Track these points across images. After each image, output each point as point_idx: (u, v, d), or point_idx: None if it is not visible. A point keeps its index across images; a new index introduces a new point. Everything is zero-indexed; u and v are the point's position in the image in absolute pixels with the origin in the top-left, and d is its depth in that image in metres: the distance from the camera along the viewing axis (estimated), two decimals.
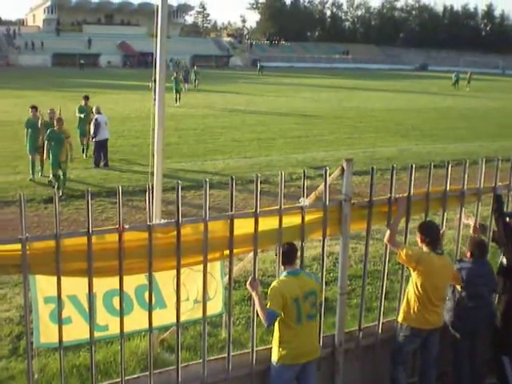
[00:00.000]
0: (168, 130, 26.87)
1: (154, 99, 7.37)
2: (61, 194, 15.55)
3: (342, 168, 6.19)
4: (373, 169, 6.33)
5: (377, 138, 27.33)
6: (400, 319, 6.71)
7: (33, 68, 78.40)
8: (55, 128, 16.57)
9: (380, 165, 21.30)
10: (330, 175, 6.12)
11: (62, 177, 16.37)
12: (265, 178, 18.69)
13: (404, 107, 41.54)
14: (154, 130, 7.26)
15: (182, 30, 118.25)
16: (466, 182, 7.06)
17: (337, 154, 23.20)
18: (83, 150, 21.35)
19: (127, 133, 25.84)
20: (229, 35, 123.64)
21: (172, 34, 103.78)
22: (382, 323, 6.93)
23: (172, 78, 36.59)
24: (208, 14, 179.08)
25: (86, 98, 22.29)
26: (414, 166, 6.59)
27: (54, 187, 15.88)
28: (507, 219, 7.14)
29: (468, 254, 6.91)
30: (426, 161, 22.23)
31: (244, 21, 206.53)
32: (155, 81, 7.16)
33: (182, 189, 16.88)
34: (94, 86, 50.00)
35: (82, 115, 21.39)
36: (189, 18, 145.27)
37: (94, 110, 20.98)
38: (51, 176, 16.44)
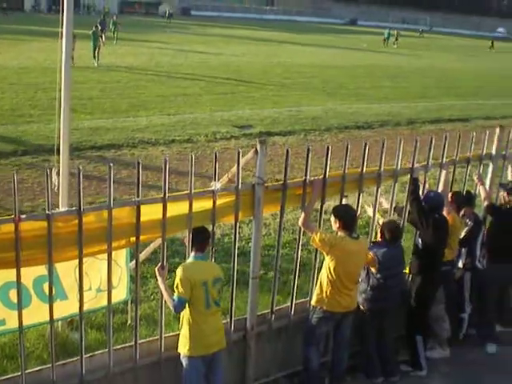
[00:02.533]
0: (90, 83, 26.36)
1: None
2: None
3: (256, 150, 5.98)
4: (287, 151, 6.13)
5: (303, 97, 27.26)
6: (313, 302, 6.66)
7: None
8: None
9: (305, 125, 21.36)
10: (242, 157, 5.91)
11: None
12: (188, 136, 18.44)
13: (332, 63, 41.62)
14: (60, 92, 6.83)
15: None
16: (383, 162, 6.94)
17: (262, 112, 23.09)
18: None
19: (48, 85, 24.77)
20: None
21: None
22: (295, 304, 6.86)
23: (90, 31, 32.99)
24: None
25: None
26: (330, 148, 6.39)
27: None
28: (422, 202, 7.12)
29: (381, 237, 6.91)
30: (351, 121, 22.51)
31: None
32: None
33: (100, 148, 16.34)
34: (18, 32, 48.11)
35: None
36: None
37: None
38: None
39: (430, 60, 50.28)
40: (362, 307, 6.93)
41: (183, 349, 5.74)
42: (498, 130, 8.11)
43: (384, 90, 31.26)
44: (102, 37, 35.10)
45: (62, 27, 6.75)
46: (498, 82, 38.89)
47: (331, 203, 7.35)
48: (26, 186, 12.85)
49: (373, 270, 6.83)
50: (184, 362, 5.76)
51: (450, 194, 7.64)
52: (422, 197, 7.21)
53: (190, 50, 42.93)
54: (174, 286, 5.52)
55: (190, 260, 5.74)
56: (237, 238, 6.13)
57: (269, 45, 53.59)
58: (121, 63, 33.92)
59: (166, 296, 5.56)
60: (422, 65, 45.85)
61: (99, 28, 34.82)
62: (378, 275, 6.82)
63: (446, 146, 7.38)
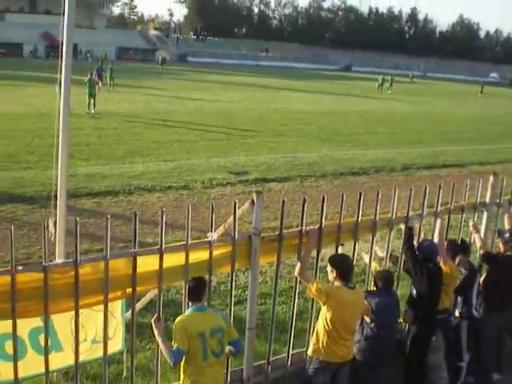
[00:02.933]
0: (87, 129, 26.53)
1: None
2: None
3: (252, 201, 6.03)
4: (283, 202, 6.18)
5: (299, 143, 27.40)
6: (310, 352, 6.62)
7: None
8: None
9: (300, 171, 21.45)
10: (239, 208, 5.96)
11: None
12: (185, 183, 18.49)
13: (327, 110, 41.94)
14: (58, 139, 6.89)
15: (108, 21, 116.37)
16: (377, 212, 6.99)
17: (258, 158, 23.15)
18: None
19: (45, 131, 24.84)
20: (156, 28, 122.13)
21: (98, 25, 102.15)
22: (292, 355, 6.83)
23: (86, 79, 32.23)
24: (135, 6, 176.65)
25: None
26: (326, 198, 6.43)
27: None
28: (416, 252, 7.14)
29: (375, 287, 6.92)
30: (346, 167, 22.60)
31: (171, 14, 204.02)
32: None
33: (97, 195, 16.31)
34: (16, 77, 48.57)
35: None
36: (115, 9, 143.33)
37: None
38: None
39: (424, 105, 50.83)
40: (356, 357, 6.90)
41: None
42: (491, 178, 8.18)
43: (378, 135, 31.47)
44: (98, 84, 35.26)
45: (60, 73, 6.83)
46: (491, 127, 39.27)
47: (327, 251, 7.37)
48: (22, 233, 12.81)
49: (367, 319, 6.82)
50: None
51: (445, 243, 7.67)
52: (416, 246, 7.24)
53: (186, 97, 43.27)
54: (172, 338, 5.50)
55: (187, 312, 5.72)
56: (233, 288, 6.13)
57: (265, 91, 54.12)
58: (117, 110, 34.12)
59: (163, 348, 5.51)
60: (416, 110, 46.30)
61: (96, 75, 34.77)
62: (372, 325, 6.81)
63: (441, 194, 7.44)
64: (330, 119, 36.64)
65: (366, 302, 6.72)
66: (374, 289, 6.98)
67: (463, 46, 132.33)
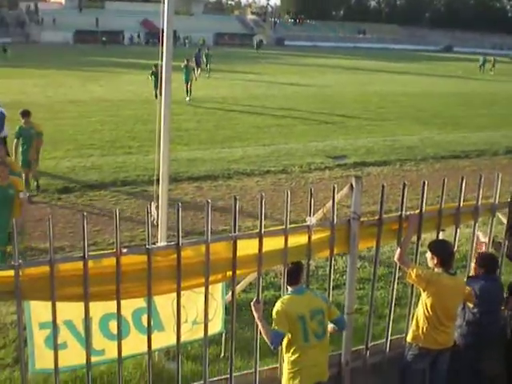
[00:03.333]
0: (186, 115, 27.01)
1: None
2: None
3: (351, 185, 5.99)
4: (383, 186, 6.10)
5: (398, 126, 26.98)
6: (409, 338, 6.54)
7: (54, 45, 78.52)
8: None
9: (400, 155, 21.12)
10: (338, 192, 5.93)
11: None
12: (283, 167, 18.55)
13: (427, 91, 41.00)
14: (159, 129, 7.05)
15: (205, 7, 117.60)
16: (480, 196, 6.80)
17: (356, 142, 22.97)
18: None
19: (146, 117, 25.48)
20: (253, 13, 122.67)
21: (195, 11, 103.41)
22: (390, 341, 6.77)
23: (182, 65, 31.99)
24: None
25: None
26: (426, 183, 6.30)
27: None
28: None
29: (478, 271, 6.72)
30: (447, 151, 22.07)
31: None
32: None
33: (198, 179, 16.68)
34: (117, 65, 49.98)
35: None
36: None
37: None
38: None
39: None
40: (457, 342, 6.76)
41: (283, 380, 5.78)
42: None
43: (481, 118, 30.53)
44: (196, 70, 35.58)
45: (161, 59, 6.96)
46: None
47: (427, 236, 7.23)
48: (125, 216, 13.22)
49: (469, 304, 6.66)
50: None
51: None
52: None
53: (284, 81, 43.22)
54: (272, 320, 5.57)
55: (286, 295, 5.77)
56: (331, 273, 6.13)
57: (363, 73, 53.48)
58: (215, 95, 34.57)
59: (263, 331, 5.57)
60: None
61: (193, 61, 35.03)
62: (475, 310, 6.63)
63: None
64: (430, 101, 35.82)
65: (468, 288, 6.57)
66: (478, 272, 6.77)
67: None
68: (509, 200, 7.05)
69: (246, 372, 6.21)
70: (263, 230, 5.51)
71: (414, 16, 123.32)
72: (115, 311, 5.15)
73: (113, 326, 5.32)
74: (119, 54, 63.28)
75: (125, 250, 5.03)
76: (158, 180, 7.21)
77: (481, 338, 6.73)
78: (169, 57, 6.85)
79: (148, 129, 21.92)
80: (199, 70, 38.85)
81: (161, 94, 7.37)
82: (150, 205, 5.62)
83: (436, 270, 6.28)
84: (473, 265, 6.84)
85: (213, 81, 41.90)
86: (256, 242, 5.54)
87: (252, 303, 5.70)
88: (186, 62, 32.83)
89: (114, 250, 4.96)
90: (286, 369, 5.74)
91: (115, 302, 5.11)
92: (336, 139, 23.42)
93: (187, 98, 31.66)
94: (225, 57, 58.39)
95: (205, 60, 45.55)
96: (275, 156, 20.07)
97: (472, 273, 6.85)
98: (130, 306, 5.49)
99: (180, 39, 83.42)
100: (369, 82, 45.89)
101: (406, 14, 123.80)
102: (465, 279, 6.77)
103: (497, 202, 6.93)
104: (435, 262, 6.27)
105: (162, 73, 7.12)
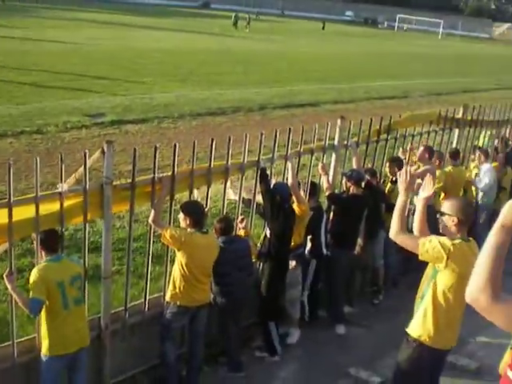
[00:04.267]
0: None
1: None
2: None
3: (103, 149, 5.93)
4: (135, 150, 6.12)
5: (155, 83, 27.07)
6: (167, 298, 6.71)
7: None
8: None
9: (157, 112, 21.26)
10: (89, 158, 5.85)
11: None
12: (37, 127, 17.83)
13: (183, 48, 41.41)
14: None
15: None
16: (230, 157, 7.07)
17: (114, 100, 22.76)
18: None
19: None
20: None
21: None
22: (149, 300, 6.90)
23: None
24: None
25: None
26: (177, 145, 6.43)
27: None
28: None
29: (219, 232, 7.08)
30: (204, 108, 22.61)
31: None
32: None
33: None
34: None
35: None
36: None
37: None
38: None
39: (283, 44, 51.28)
40: (214, 303, 7.09)
41: (43, 348, 5.72)
42: (339, 121, 8.46)
43: (236, 75, 31.59)
44: None
45: None
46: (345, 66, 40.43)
47: (182, 196, 7.40)
48: None
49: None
50: (42, 360, 5.73)
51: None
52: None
53: (39, 37, 40.73)
54: (30, 288, 5.44)
55: (43, 262, 5.65)
56: (86, 239, 6.09)
57: (119, 29, 52.38)
58: None
59: (20, 301, 5.44)
60: (274, 48, 46.70)
61: None
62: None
63: (291, 136, 7.58)
64: (187, 59, 36.31)
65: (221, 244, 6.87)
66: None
67: None
68: (256, 160, 7.44)
69: (3, 345, 5.99)
70: (12, 199, 5.30)
71: None
72: None
73: None
74: None
75: None
76: None
77: (231, 296, 7.11)
78: None
79: None
80: None
81: None
82: None
83: (189, 229, 6.49)
84: None
85: None
86: (5, 212, 5.32)
87: (5, 275, 5.51)
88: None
89: None
90: (46, 337, 5.67)
91: None
92: (92, 97, 22.98)
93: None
94: None
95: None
96: (29, 115, 19.22)
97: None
98: None
99: None
100: (124, 37, 45.13)
101: None
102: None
103: (245, 161, 7.27)
104: (188, 222, 6.47)
105: None
